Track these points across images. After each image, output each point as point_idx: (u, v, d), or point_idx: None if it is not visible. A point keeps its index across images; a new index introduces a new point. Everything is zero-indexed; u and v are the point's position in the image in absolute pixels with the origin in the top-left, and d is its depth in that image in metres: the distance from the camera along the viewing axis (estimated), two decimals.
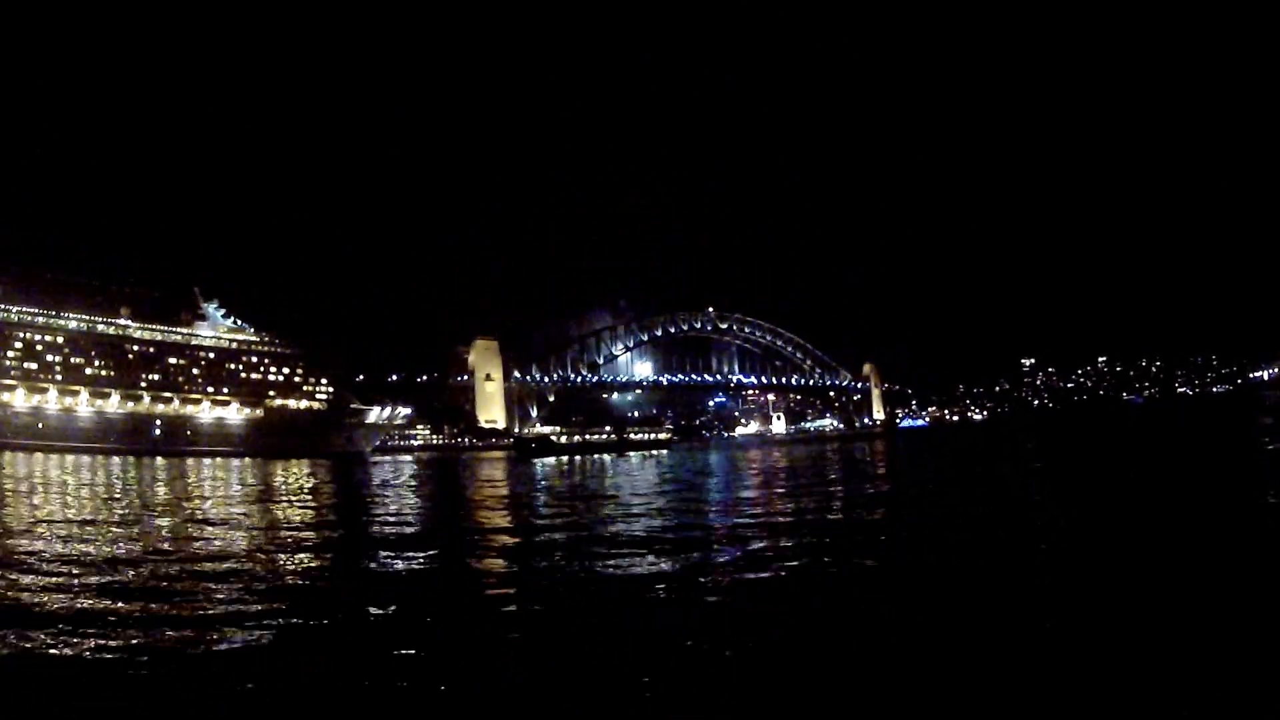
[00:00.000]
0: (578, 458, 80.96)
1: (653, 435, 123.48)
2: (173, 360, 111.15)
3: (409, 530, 19.27)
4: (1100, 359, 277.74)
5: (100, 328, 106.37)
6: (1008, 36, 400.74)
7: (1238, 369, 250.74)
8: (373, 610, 9.77)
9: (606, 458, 78.28)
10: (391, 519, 22.10)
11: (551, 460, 75.37)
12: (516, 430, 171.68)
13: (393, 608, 9.83)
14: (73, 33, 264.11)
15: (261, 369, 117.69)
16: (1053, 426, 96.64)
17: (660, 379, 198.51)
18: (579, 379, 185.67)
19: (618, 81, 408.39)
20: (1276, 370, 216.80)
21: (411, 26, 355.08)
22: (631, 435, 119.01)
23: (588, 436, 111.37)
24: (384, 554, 14.20)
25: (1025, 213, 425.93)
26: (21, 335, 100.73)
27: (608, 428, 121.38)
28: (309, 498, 30.55)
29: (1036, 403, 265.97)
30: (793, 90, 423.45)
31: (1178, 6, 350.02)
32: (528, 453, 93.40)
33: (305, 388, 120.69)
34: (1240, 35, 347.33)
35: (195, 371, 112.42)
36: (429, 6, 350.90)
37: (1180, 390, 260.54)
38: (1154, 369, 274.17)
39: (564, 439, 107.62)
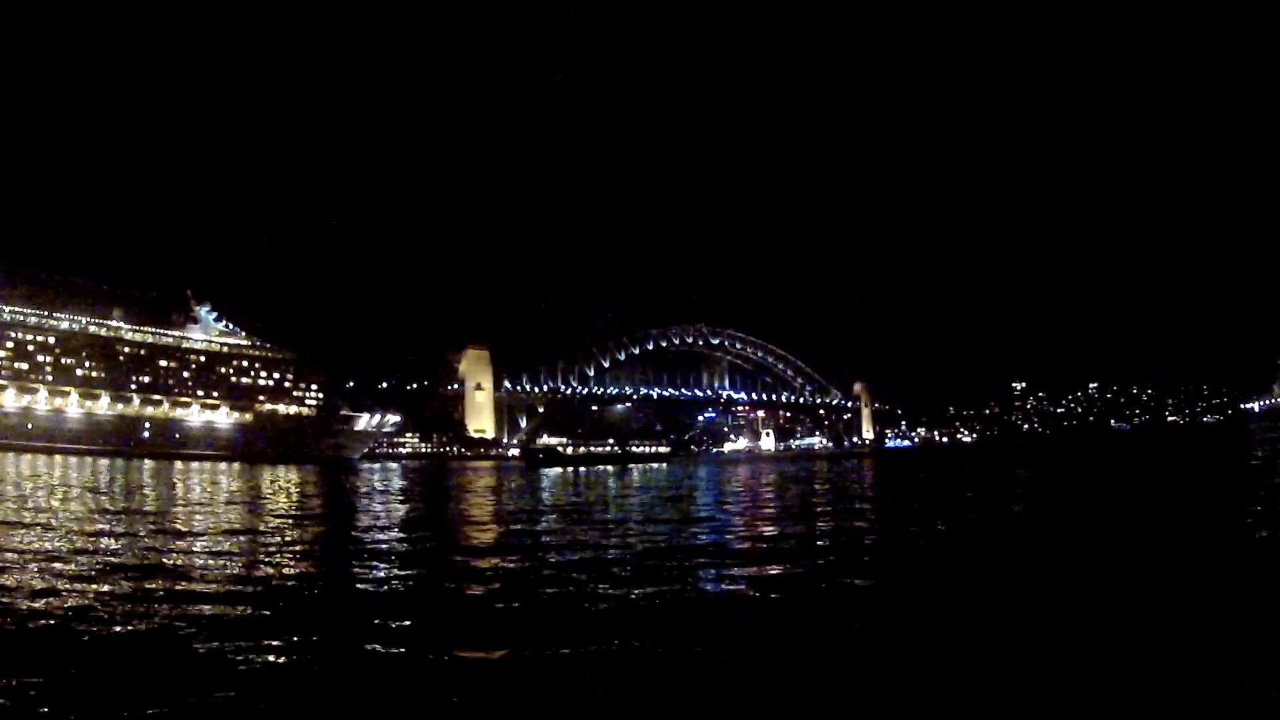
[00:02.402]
0: (583, 468, 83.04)
1: (654, 449, 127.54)
2: (163, 363, 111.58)
3: None
4: (1091, 385, 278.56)
5: (92, 329, 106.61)
6: (1000, 57, 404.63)
7: (1228, 399, 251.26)
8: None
9: (610, 469, 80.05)
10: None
11: (558, 470, 77.22)
12: (505, 440, 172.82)
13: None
14: (71, 32, 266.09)
15: (252, 373, 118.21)
16: (1041, 452, 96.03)
17: (650, 393, 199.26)
18: (569, 391, 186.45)
19: (613, 95, 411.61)
20: (1267, 402, 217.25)
21: (406, 36, 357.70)
22: (634, 448, 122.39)
23: (592, 448, 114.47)
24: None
25: (1022, 237, 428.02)
26: (13, 335, 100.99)
27: (611, 440, 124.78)
28: (299, 504, 29.97)
29: (1026, 426, 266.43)
30: (787, 108, 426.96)
31: (1172, 24, 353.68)
32: (536, 463, 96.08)
33: (295, 393, 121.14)
34: (1235, 64, 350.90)
35: (185, 374, 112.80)
36: (423, 16, 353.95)
37: (1171, 419, 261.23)
38: (1145, 396, 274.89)
39: (569, 450, 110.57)
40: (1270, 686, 6.49)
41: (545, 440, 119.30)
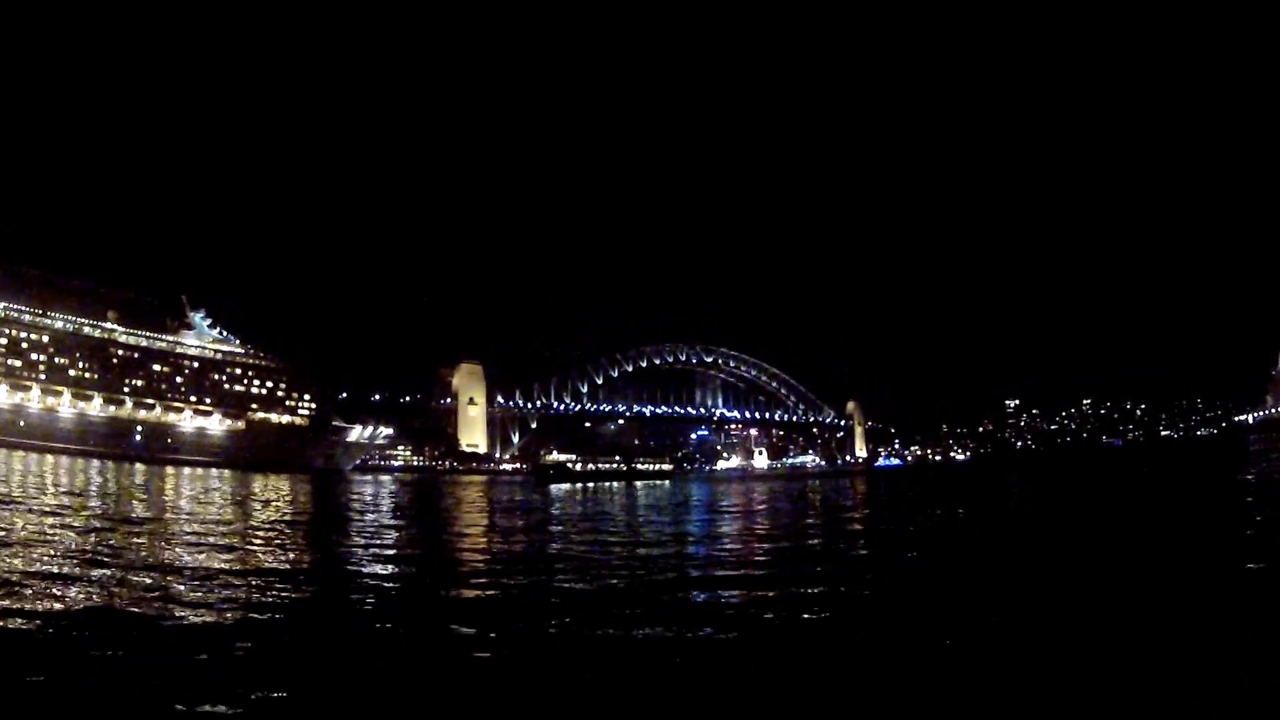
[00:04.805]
0: (590, 484, 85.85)
1: (657, 466, 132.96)
2: (157, 367, 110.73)
3: None
4: (1085, 401, 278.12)
5: (86, 329, 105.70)
6: (988, 73, 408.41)
7: (1222, 412, 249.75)
8: None
9: (615, 485, 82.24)
10: None
11: (566, 486, 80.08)
12: (497, 455, 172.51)
13: None
14: (70, 34, 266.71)
15: (245, 381, 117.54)
16: (1032, 471, 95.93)
17: (643, 410, 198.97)
18: (561, 407, 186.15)
19: (606, 112, 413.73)
20: (1262, 414, 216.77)
21: (400, 50, 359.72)
22: (638, 465, 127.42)
23: (599, 465, 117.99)
24: None
25: (1015, 255, 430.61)
26: (7, 332, 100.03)
27: (617, 457, 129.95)
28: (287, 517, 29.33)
29: (1019, 444, 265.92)
30: (779, 127, 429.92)
31: (1165, 43, 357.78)
32: (545, 478, 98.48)
33: (288, 403, 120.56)
34: (1227, 82, 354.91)
35: (179, 380, 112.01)
36: (413, 30, 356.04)
37: (1165, 434, 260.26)
38: (1139, 412, 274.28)
39: (577, 466, 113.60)
40: (1270, 686, 6.56)
41: (555, 456, 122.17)
